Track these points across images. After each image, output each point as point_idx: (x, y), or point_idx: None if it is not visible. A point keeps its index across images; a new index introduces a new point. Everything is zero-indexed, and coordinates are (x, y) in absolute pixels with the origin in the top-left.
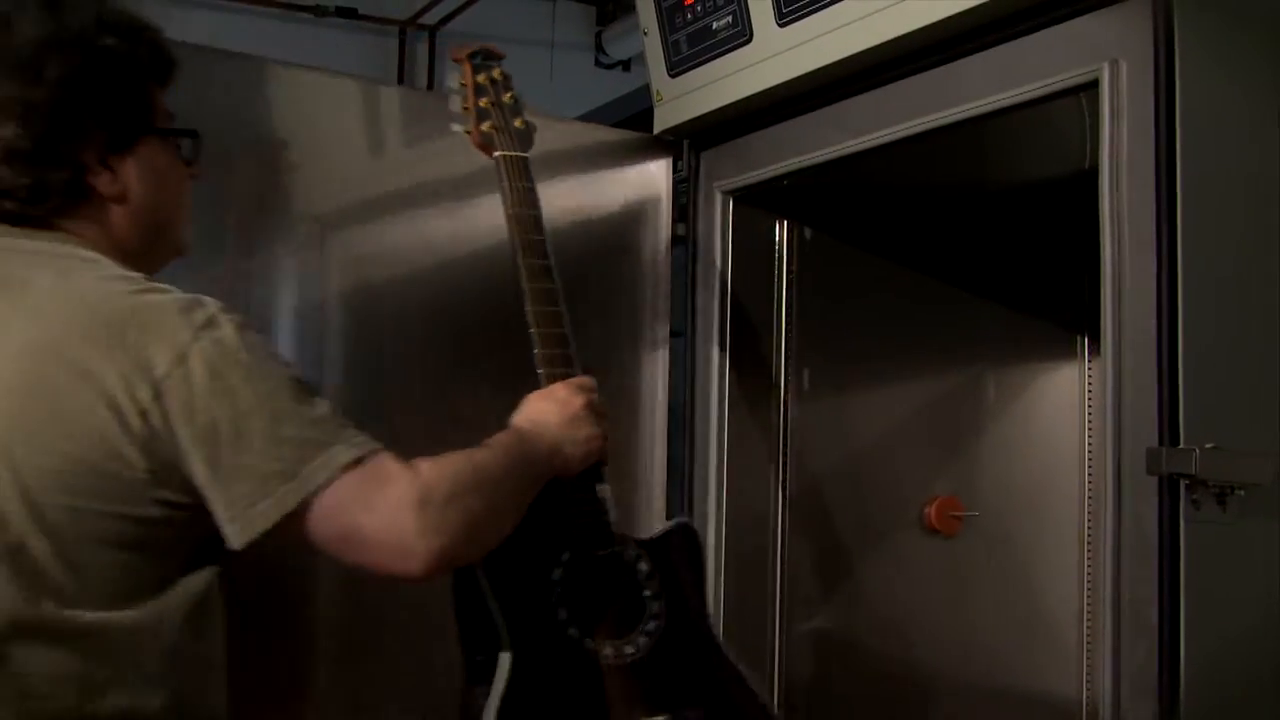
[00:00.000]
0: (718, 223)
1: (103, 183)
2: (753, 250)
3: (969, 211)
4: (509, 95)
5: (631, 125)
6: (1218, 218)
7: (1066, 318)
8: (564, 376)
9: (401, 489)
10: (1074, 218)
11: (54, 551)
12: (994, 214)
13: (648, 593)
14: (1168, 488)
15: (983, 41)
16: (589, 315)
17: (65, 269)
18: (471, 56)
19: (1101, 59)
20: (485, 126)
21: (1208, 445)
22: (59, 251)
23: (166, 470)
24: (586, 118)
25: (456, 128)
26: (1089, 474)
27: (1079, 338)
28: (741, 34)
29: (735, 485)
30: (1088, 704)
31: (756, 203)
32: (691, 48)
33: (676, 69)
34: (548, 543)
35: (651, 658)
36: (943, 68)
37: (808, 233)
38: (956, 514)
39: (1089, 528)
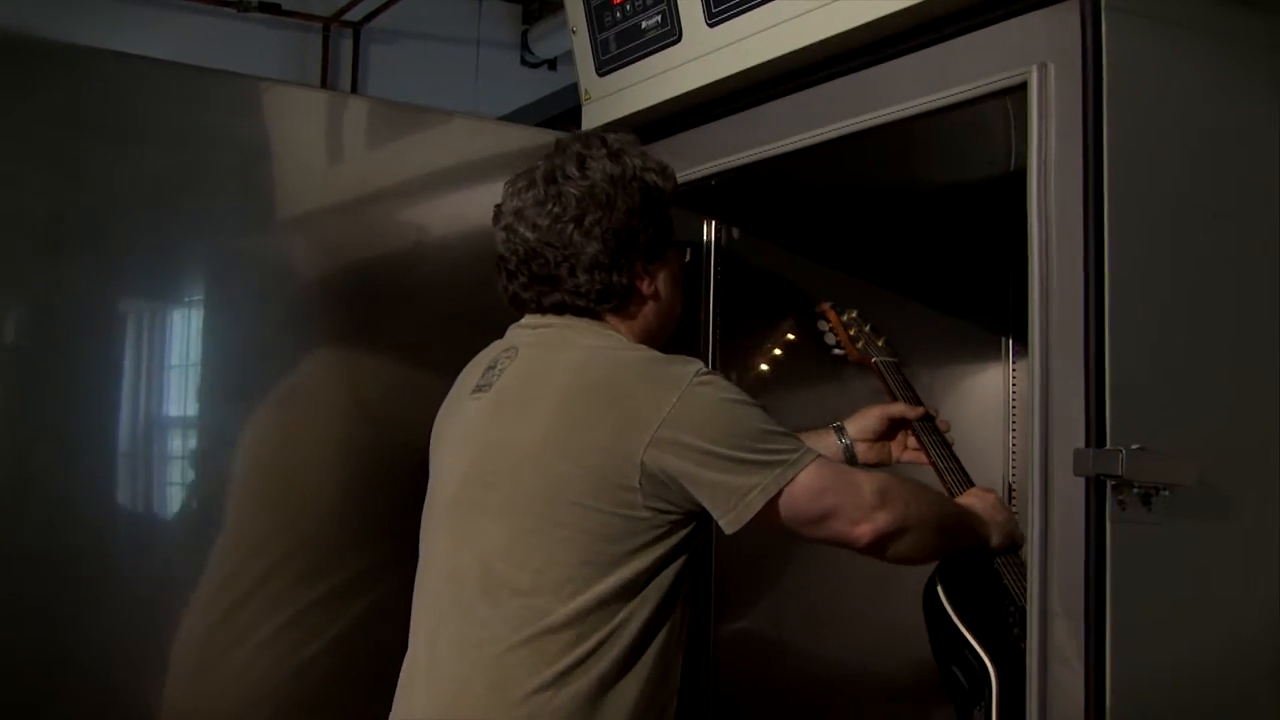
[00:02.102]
0: None
1: (644, 285)
2: None
3: (897, 212)
4: (868, 326)
5: (558, 124)
6: (1146, 220)
7: (992, 319)
8: (969, 486)
9: (864, 478)
10: (1001, 219)
11: (564, 538)
12: (921, 215)
13: None
14: (1094, 489)
15: (911, 44)
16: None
17: (599, 341)
18: (833, 308)
19: (1030, 62)
20: (860, 345)
21: (1134, 446)
22: (597, 331)
23: (657, 484)
24: (512, 116)
25: (838, 352)
26: (1013, 475)
27: (1004, 339)
28: (671, 33)
29: None
30: None
31: (684, 202)
32: (620, 47)
33: (605, 68)
34: (999, 598)
35: None
36: (871, 70)
37: (735, 233)
38: None
39: None
